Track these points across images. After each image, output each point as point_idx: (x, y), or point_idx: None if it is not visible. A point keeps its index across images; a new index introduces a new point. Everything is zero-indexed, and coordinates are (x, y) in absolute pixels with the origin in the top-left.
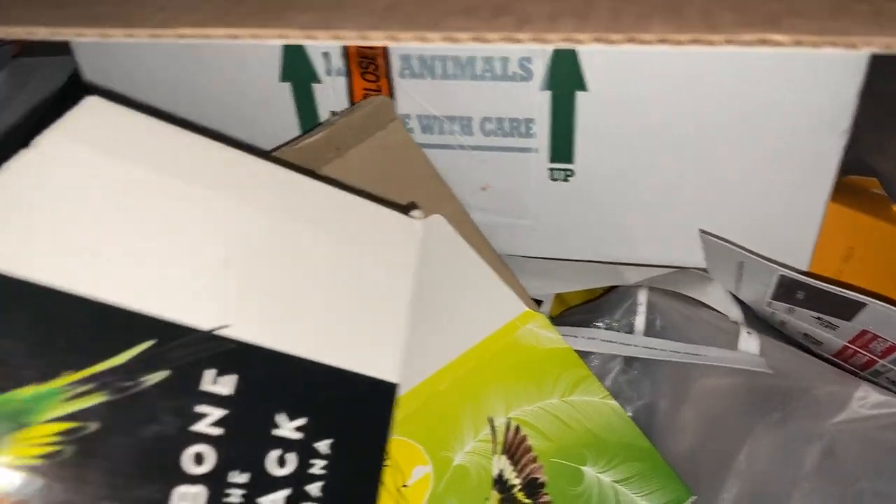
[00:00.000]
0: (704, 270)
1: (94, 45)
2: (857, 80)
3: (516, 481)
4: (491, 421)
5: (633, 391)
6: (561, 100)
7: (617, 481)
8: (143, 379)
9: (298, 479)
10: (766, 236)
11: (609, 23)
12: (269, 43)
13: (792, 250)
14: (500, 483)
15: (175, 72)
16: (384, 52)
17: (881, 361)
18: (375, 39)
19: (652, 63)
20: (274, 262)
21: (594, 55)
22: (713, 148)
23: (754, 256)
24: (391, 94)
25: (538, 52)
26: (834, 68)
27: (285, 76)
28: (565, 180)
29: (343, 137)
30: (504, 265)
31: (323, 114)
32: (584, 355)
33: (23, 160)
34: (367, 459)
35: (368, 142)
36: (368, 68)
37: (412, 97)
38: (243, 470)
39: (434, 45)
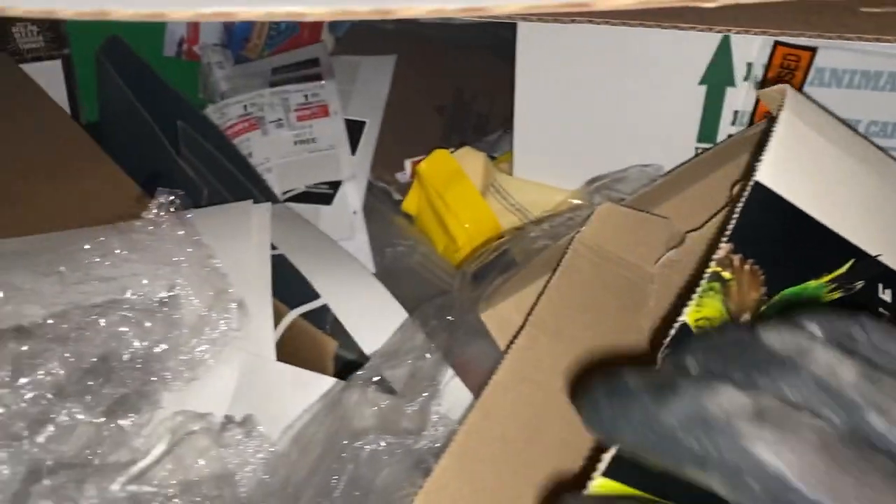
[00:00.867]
0: None
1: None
2: None
3: None
4: None
5: None
6: None
7: None
8: (855, 284)
9: None
10: None
11: None
12: None
13: None
14: None
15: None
16: (809, 63)
17: None
18: None
19: None
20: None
21: None
22: None
23: None
24: None
25: None
26: None
27: (705, 80)
28: None
29: None
30: None
31: (727, 115)
32: None
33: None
34: None
35: None
36: (785, 77)
37: None
38: None
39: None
